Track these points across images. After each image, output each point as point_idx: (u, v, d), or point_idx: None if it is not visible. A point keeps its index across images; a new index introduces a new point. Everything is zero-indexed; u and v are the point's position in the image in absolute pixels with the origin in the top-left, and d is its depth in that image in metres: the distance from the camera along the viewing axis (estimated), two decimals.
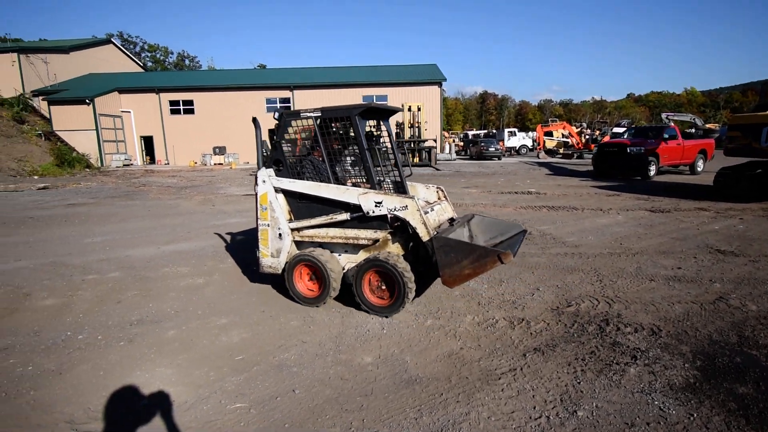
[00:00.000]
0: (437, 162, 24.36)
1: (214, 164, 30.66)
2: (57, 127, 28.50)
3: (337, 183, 4.64)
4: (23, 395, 3.04)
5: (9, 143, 23.63)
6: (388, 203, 4.28)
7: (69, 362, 3.46)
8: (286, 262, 4.73)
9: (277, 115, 4.84)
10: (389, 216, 4.31)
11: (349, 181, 4.95)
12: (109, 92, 30.17)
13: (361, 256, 4.54)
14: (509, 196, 11.86)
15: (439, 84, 30.91)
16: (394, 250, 4.44)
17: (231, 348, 3.66)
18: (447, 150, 31.80)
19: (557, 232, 7.40)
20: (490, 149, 28.89)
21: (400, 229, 4.38)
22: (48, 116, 29.06)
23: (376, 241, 4.45)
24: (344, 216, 4.52)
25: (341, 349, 3.62)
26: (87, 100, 28.18)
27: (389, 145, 5.12)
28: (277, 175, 4.91)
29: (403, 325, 4.00)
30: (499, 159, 28.99)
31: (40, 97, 29.67)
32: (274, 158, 4.96)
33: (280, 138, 4.84)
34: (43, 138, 26.75)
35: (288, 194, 4.85)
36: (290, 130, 4.77)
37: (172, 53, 65.41)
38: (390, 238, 4.42)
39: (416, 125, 24.60)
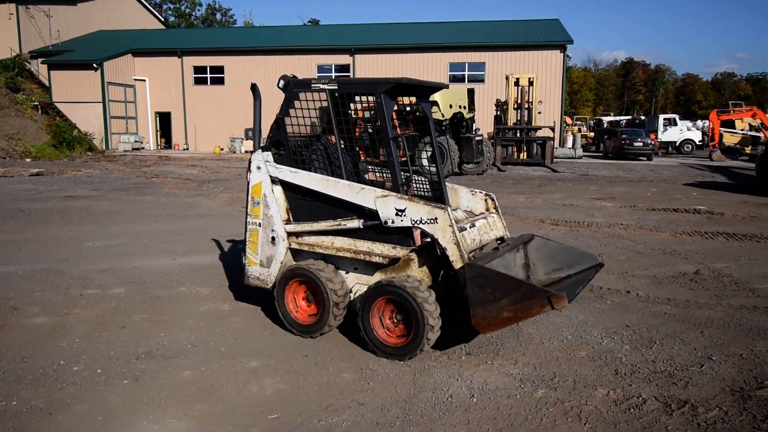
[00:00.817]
0: (554, 160, 23.78)
1: (245, 151, 32.23)
2: (57, 98, 31.49)
3: (353, 179, 4.81)
4: None
5: (0, 117, 26.43)
6: (413, 212, 4.37)
7: (61, 400, 3.76)
8: (278, 275, 4.93)
9: (282, 84, 4.98)
10: (414, 229, 4.38)
11: (370, 174, 5.13)
12: (122, 54, 32.85)
13: (376, 278, 4.64)
14: (664, 215, 11.28)
15: (562, 48, 30.31)
16: (418, 274, 4.52)
17: (263, 401, 3.79)
18: (569, 143, 30.99)
19: (741, 273, 6.92)
20: (636, 144, 27.66)
21: (428, 247, 4.43)
22: (47, 83, 32.19)
23: (395, 260, 4.57)
24: (356, 223, 4.64)
25: (412, 419, 3.61)
26: (95, 65, 30.88)
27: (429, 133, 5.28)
28: (275, 162, 5.05)
29: (501, 393, 3.92)
30: (649, 159, 27.71)
31: (39, 60, 33.01)
32: (274, 139, 5.10)
33: (284, 114, 4.96)
34: (40, 111, 29.67)
35: (288, 187, 5.01)
36: (297, 104, 4.93)
37: (200, 5, 69.99)
38: (414, 258, 4.51)
39: (525, 106, 24.23)
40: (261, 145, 5.17)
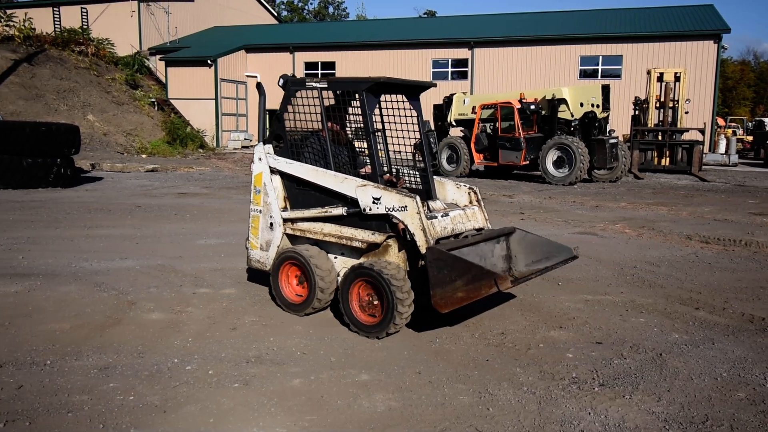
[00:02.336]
0: (702, 167, 22.23)
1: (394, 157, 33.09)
2: (172, 94, 34.04)
3: (346, 171, 5.53)
4: (122, 431, 3.64)
5: (119, 112, 29.05)
6: (387, 201, 5.09)
7: (174, 398, 4.04)
8: (274, 258, 5.80)
9: (281, 82, 5.83)
10: (392, 217, 5.09)
11: (365, 169, 5.93)
12: (236, 50, 34.93)
13: (360, 262, 5.33)
14: None
15: (717, 38, 28.32)
16: (396, 259, 5.22)
17: (374, 418, 3.84)
18: (722, 148, 28.87)
19: None
20: None
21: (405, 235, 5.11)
22: (164, 80, 34.90)
23: (374, 245, 5.29)
24: (340, 210, 5.43)
25: None
26: (209, 61, 33.07)
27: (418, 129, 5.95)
28: (275, 153, 5.90)
29: (649, 429, 3.70)
30: None
31: (157, 56, 35.86)
32: (274, 133, 5.95)
33: (283, 109, 5.82)
34: (156, 107, 32.23)
35: (285, 177, 5.87)
36: (294, 101, 5.78)
37: None
38: (392, 244, 5.24)
39: (670, 105, 22.86)
40: (263, 138, 6.03)
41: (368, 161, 5.78)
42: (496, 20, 36.12)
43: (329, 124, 5.66)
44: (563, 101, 19.12)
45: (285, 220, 5.83)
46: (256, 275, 6.86)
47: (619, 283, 7.11)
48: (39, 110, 25.49)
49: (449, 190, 6.06)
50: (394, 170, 6.27)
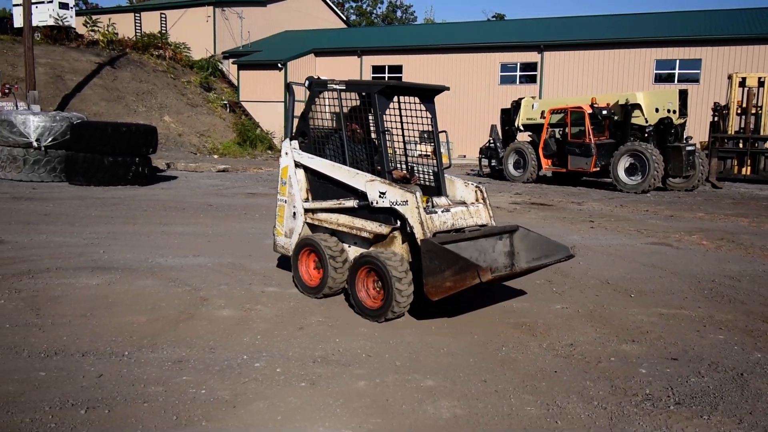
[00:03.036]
0: None
1: (419, 155, 33.06)
2: (244, 97, 34.99)
3: (362, 167, 6.03)
4: (194, 424, 3.75)
5: (193, 114, 30.09)
6: (391, 195, 5.55)
7: (244, 394, 4.14)
8: (295, 245, 6.41)
9: (307, 83, 6.44)
10: (395, 210, 5.54)
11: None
12: (305, 54, 35.58)
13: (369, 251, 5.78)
14: None
15: None
16: (400, 250, 5.64)
17: (438, 425, 3.82)
18: None
19: None
20: None
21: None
22: (236, 82, 35.92)
23: (381, 236, 5.74)
24: (352, 203, 5.93)
25: None
26: (279, 65, 33.81)
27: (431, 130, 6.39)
28: (300, 149, 6.48)
29: None
30: None
31: (230, 60, 36.92)
32: (300, 129, 6.53)
33: (308, 108, 6.44)
34: (228, 109, 33.20)
35: (308, 171, 6.43)
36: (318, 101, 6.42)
37: (381, 2, 73.35)
38: (398, 236, 5.67)
39: (752, 111, 21.76)
40: (291, 135, 6.59)
41: (398, 161, 6.53)
42: (567, 23, 35.36)
43: (351, 124, 6.20)
44: (637, 106, 18.50)
45: (306, 210, 6.42)
46: (285, 263, 7.29)
47: (696, 297, 6.80)
48: (119, 111, 26.72)
49: (458, 188, 6.40)
50: (402, 167, 6.72)
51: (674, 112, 18.26)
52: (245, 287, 6.63)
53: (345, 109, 6.14)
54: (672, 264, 8.36)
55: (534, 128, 20.93)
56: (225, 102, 33.79)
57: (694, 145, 18.89)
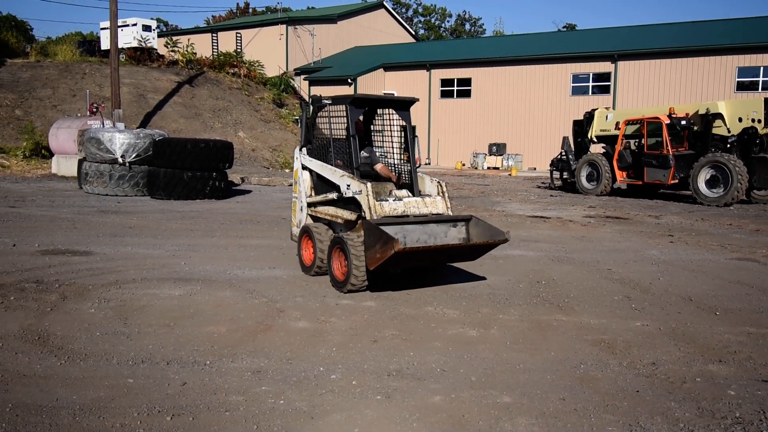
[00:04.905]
0: None
1: (487, 168, 32.79)
2: None
3: (348, 169, 7.15)
4: None
5: (266, 130, 30.94)
6: (354, 187, 6.82)
7: (321, 405, 4.19)
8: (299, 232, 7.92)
9: (311, 101, 7.79)
10: (356, 199, 6.81)
11: (378, 165, 7.75)
12: (374, 69, 36.05)
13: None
14: None
15: None
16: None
17: None
18: None
19: None
20: None
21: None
22: (307, 99, 36.70)
23: (352, 222, 6.94)
24: (333, 195, 7.26)
25: None
26: (349, 80, 34.40)
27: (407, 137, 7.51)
28: (307, 154, 7.95)
29: None
30: None
31: (302, 77, 37.83)
32: (306, 138, 8.10)
33: (312, 120, 7.95)
34: (299, 125, 33.90)
35: (311, 172, 7.90)
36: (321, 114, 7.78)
37: (450, 16, 73.56)
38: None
39: None
40: (302, 144, 8.15)
41: (380, 160, 7.91)
42: (641, 31, 34.35)
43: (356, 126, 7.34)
44: (719, 116, 17.72)
45: (309, 204, 7.92)
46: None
47: None
48: (197, 128, 27.81)
49: (426, 183, 7.52)
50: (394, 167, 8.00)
51: (759, 121, 17.37)
52: (320, 299, 6.74)
53: (334, 120, 7.41)
54: (759, 280, 7.93)
55: (608, 140, 20.39)
56: (297, 118, 34.58)
57: None
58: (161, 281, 7.34)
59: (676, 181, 17.93)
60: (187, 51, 33.50)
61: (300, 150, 8.09)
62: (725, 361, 5.12)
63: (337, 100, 7.39)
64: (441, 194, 7.31)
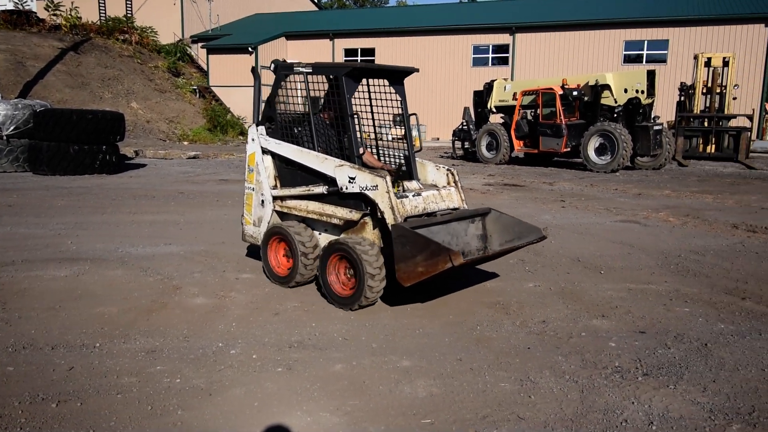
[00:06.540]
0: (750, 155, 21.53)
1: (392, 138, 33.01)
2: (213, 82, 34.48)
3: (333, 153, 5.85)
4: (170, 413, 3.73)
5: (162, 100, 29.58)
6: (361, 180, 5.40)
7: (220, 381, 4.13)
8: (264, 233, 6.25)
9: (272, 67, 6.12)
10: (365, 195, 5.41)
11: (366, 151, 6.25)
12: (276, 37, 35.16)
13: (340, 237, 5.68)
14: None
15: (767, 21, 27.21)
16: (371, 236, 5.55)
17: (415, 404, 3.86)
18: None
19: None
20: None
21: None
22: (205, 67, 35.37)
23: (351, 222, 5.62)
24: (321, 189, 5.77)
25: None
26: (250, 48, 33.39)
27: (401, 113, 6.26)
28: (267, 134, 6.29)
29: (686, 424, 3.64)
30: None
31: (199, 44, 36.34)
32: (266, 115, 6.34)
33: (274, 93, 6.17)
34: (198, 95, 32.69)
35: (276, 157, 6.26)
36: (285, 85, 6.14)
37: None
38: (368, 222, 5.57)
39: (717, 91, 22.18)
40: (257, 120, 6.39)
41: (368, 145, 6.37)
42: (538, 5, 35.45)
43: (327, 110, 6.10)
44: (607, 87, 18.69)
45: (275, 198, 6.27)
46: (255, 251, 7.11)
47: (663, 272, 6.96)
48: (84, 98, 26.13)
49: (430, 171, 6.34)
50: (373, 151, 6.67)
51: (642, 92, 18.50)
52: (219, 274, 6.59)
53: (312, 93, 5.97)
54: (640, 241, 8.52)
55: (506, 110, 21.03)
56: (194, 87, 33.26)
57: (662, 124, 19.18)
58: (45, 262, 6.89)
59: (569, 149, 18.82)
60: (71, 15, 31.19)
61: (256, 128, 6.35)
62: (607, 315, 5.50)
63: (320, 68, 5.93)
64: (454, 184, 6.17)
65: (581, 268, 7.08)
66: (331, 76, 5.91)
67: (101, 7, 38.02)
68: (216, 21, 38.43)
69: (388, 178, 5.34)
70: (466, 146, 22.16)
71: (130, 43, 33.28)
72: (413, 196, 5.65)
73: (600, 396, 3.99)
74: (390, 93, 6.30)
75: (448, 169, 6.23)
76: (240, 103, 33.25)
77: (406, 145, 6.29)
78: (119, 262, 6.99)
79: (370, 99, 6.40)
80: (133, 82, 29.81)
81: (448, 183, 6.20)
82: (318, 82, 6.04)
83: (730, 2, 29.51)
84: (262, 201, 6.38)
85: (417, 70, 6.33)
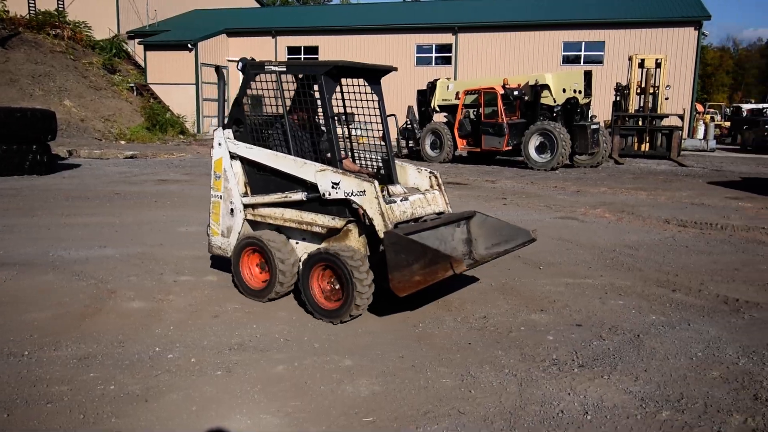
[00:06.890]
0: (681, 153, 22.49)
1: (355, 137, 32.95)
2: (152, 79, 33.57)
3: (309, 156, 5.55)
4: (103, 421, 3.62)
5: (97, 98, 28.62)
6: (346, 186, 5.10)
7: (156, 387, 4.03)
8: (235, 245, 5.84)
9: (240, 65, 5.74)
10: (351, 202, 5.13)
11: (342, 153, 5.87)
12: (217, 34, 34.51)
13: (322, 247, 5.36)
14: None
15: (697, 25, 28.59)
16: (356, 244, 5.26)
17: (357, 403, 3.87)
18: (700, 133, 29.25)
19: None
20: None
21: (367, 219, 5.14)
22: (143, 64, 34.39)
23: (334, 230, 5.31)
24: (300, 195, 5.44)
25: None
26: (189, 45, 32.64)
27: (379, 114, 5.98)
28: (235, 138, 5.86)
29: (619, 412, 3.77)
30: None
31: (136, 40, 35.32)
32: (234, 117, 5.92)
33: (242, 93, 5.77)
34: (135, 92, 31.77)
35: (245, 162, 5.84)
36: (254, 85, 5.74)
37: None
38: (353, 229, 5.28)
39: (650, 91, 23.08)
40: (223, 123, 5.98)
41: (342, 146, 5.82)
42: (481, 5, 36.01)
43: (297, 111, 5.75)
44: (546, 87, 19.17)
45: (246, 206, 5.84)
46: (222, 262, 6.75)
47: (599, 266, 7.19)
48: (13, 95, 25.01)
49: (411, 174, 6.10)
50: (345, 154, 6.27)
51: (580, 92, 19.07)
52: (156, 277, 6.42)
53: (286, 93, 5.62)
54: (577, 236, 8.78)
55: (449, 109, 21.30)
56: (131, 85, 32.31)
57: (599, 123, 19.82)
58: None
59: (510, 147, 19.21)
60: None
61: (223, 132, 5.87)
62: (546, 310, 5.64)
63: (295, 67, 5.62)
64: (438, 187, 5.94)
65: (521, 264, 7.23)
66: (300, 75, 5.56)
67: (30, 1, 36.50)
68: (153, 16, 37.43)
69: (376, 182, 5.05)
70: (410, 145, 22.33)
71: (63, 38, 32.04)
72: (401, 200, 5.42)
73: (538, 388, 4.09)
74: (365, 93, 5.99)
75: (430, 172, 6.02)
76: (180, 101, 32.51)
77: (385, 147, 6.01)
78: (50, 266, 6.73)
79: (343, 99, 6.03)
80: (66, 78, 28.72)
81: (431, 186, 5.98)
82: (288, 82, 5.66)
83: (663, 6, 30.72)
84: (232, 210, 5.91)
85: (395, 69, 6.09)
